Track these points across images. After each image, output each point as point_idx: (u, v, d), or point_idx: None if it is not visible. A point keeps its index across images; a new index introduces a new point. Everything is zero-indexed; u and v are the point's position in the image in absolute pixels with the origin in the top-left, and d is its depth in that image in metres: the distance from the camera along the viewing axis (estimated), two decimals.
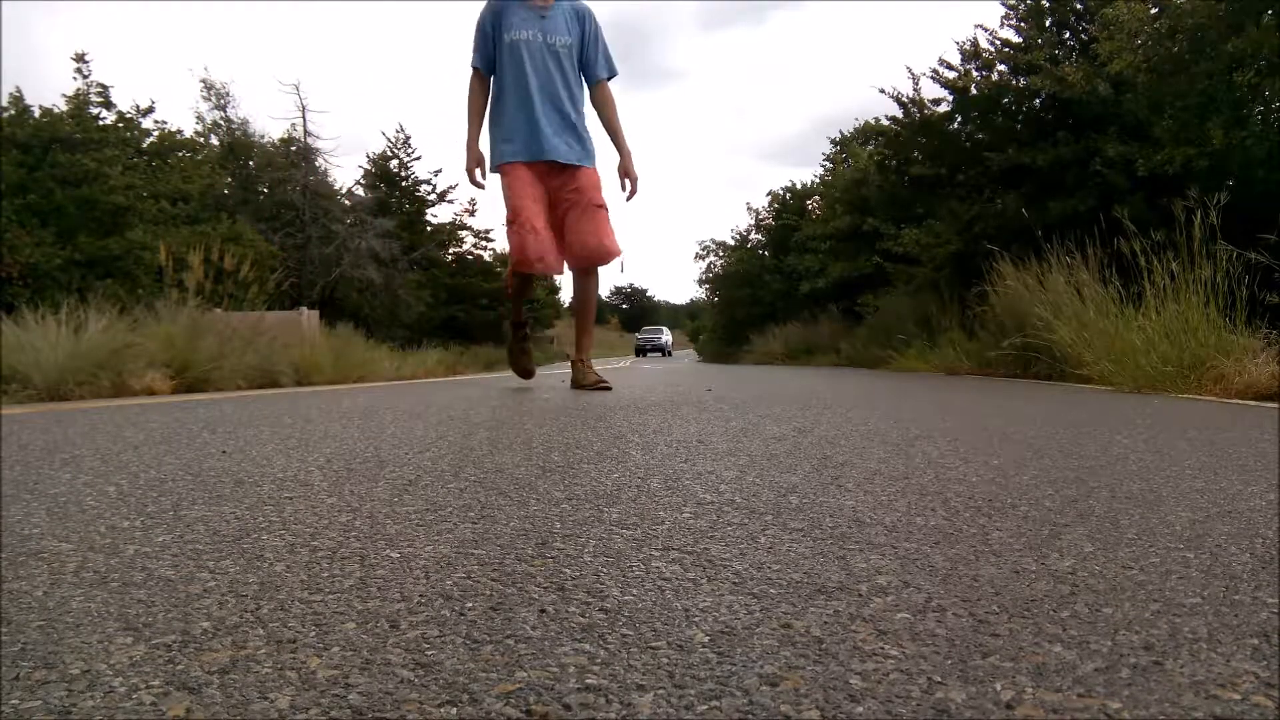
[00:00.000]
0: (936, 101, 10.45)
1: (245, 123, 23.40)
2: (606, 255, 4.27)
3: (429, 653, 0.63)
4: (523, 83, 4.15)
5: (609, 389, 4.23)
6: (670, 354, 44.94)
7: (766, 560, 0.89)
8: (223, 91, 23.60)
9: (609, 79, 4.37)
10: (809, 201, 24.96)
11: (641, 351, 44.10)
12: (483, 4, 4.28)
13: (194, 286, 5.86)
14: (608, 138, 4.43)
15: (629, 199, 4.45)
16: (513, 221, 4.13)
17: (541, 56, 4.17)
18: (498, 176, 4.28)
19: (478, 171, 4.31)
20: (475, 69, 4.31)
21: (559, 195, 4.20)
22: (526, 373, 4.99)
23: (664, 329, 52.04)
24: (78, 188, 13.06)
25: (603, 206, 4.25)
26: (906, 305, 11.30)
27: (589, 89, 4.35)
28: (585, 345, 4.54)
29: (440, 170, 37.31)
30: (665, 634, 0.67)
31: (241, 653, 0.63)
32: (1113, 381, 4.66)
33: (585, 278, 4.40)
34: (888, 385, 5.50)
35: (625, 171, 4.38)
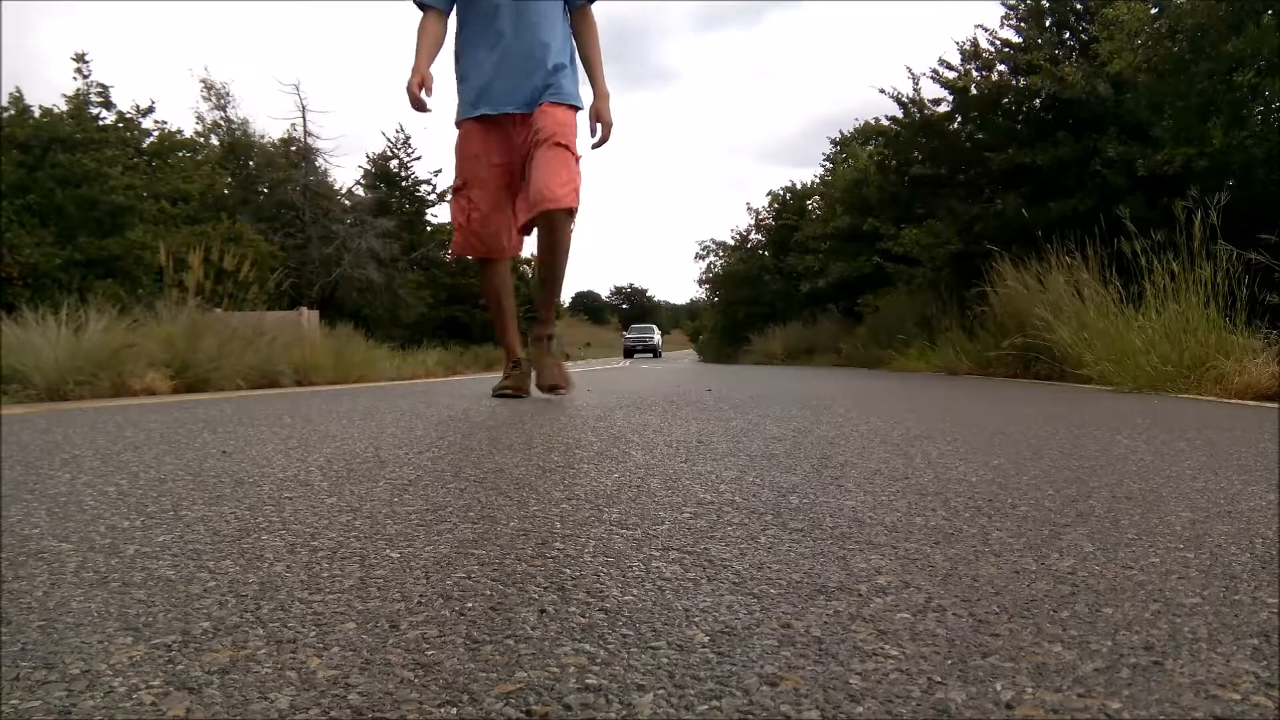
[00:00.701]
0: (936, 101, 10.46)
1: (245, 123, 23.44)
2: (549, 201, 3.30)
3: (429, 653, 0.63)
4: (487, 17, 3.44)
5: (566, 391, 3.59)
6: (660, 355, 42.35)
7: (766, 560, 0.89)
8: (223, 91, 23.64)
9: (590, 1, 3.62)
10: (809, 201, 24.96)
11: (630, 353, 41.38)
12: None
13: (194, 286, 5.86)
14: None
15: (596, 145, 3.60)
16: (457, 191, 3.50)
17: None
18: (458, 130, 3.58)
19: (422, 91, 3.40)
20: (424, 7, 3.53)
21: (526, 144, 3.43)
22: (518, 391, 3.68)
23: (654, 328, 48.83)
24: (78, 188, 13.07)
25: (566, 146, 3.37)
26: (906, 305, 11.31)
27: (570, 17, 3.62)
28: (548, 307, 3.70)
29: (440, 170, 37.35)
30: (665, 634, 0.67)
31: (241, 653, 0.63)
32: (1113, 381, 4.66)
33: (546, 231, 3.45)
34: (888, 385, 5.50)
35: (598, 114, 3.58)
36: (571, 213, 3.39)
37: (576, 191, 3.38)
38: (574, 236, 3.52)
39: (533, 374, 3.68)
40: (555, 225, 3.38)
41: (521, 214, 3.50)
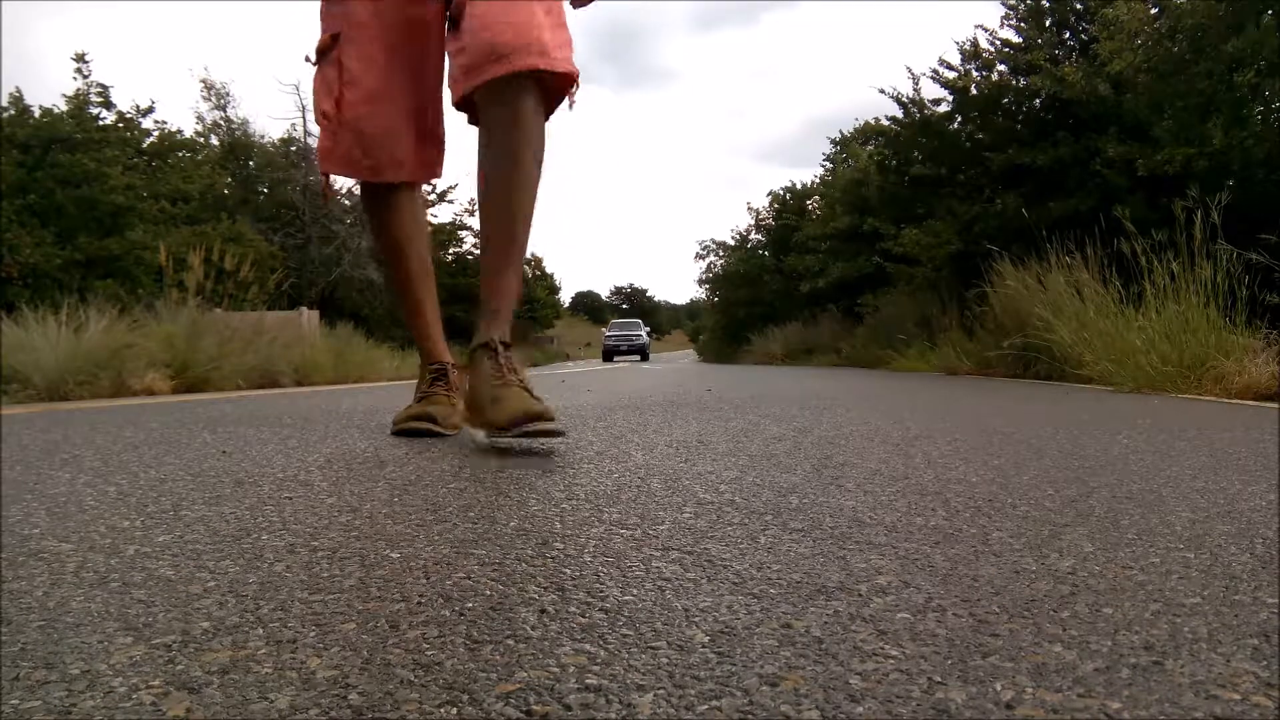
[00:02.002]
0: (936, 101, 10.48)
1: (245, 123, 23.43)
2: (510, 55, 1.69)
3: (429, 653, 0.63)
4: None
5: (556, 432, 1.68)
6: (648, 357, 31.43)
7: (766, 560, 0.89)
8: (223, 91, 23.64)
9: None
10: (809, 201, 24.98)
11: (610, 354, 31.21)
12: None
13: (194, 286, 5.87)
14: None
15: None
16: (322, 55, 1.94)
17: None
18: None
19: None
20: None
21: None
22: (426, 421, 2.01)
23: (640, 323, 37.58)
24: (78, 188, 13.07)
25: None
26: (906, 305, 11.32)
27: None
28: (499, 287, 1.83)
29: None
30: (665, 634, 0.67)
31: (241, 653, 0.63)
32: (1113, 381, 4.66)
33: (498, 122, 1.78)
34: (888, 385, 5.50)
35: None
36: (559, 87, 1.78)
37: (566, 50, 1.76)
38: (553, 186, 1.66)
39: (460, 401, 1.99)
40: (519, 111, 1.74)
41: (455, 85, 1.82)
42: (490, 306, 1.81)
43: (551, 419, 1.64)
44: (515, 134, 1.77)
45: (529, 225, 1.84)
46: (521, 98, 1.74)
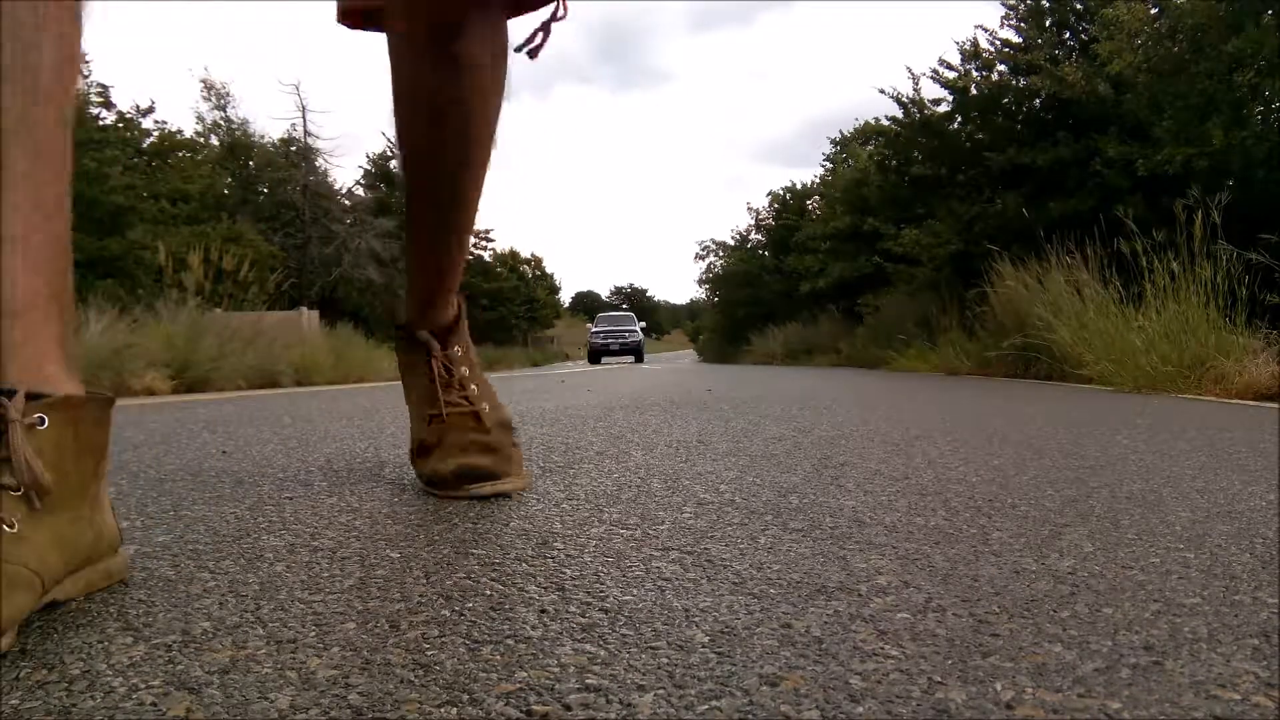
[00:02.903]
0: (936, 101, 10.49)
1: (245, 123, 23.44)
2: None
3: (429, 653, 0.63)
4: None
5: (509, 488, 1.22)
6: (643, 359, 25.93)
7: (766, 560, 0.89)
8: (223, 91, 23.65)
9: None
10: (809, 201, 24.99)
11: (600, 354, 25.82)
12: None
13: (194, 286, 5.87)
14: None
15: None
16: None
17: None
18: None
19: None
20: None
21: None
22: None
23: (634, 318, 29.89)
24: (77, 188, 13.08)
25: None
26: (906, 305, 11.32)
27: None
28: (434, 270, 1.23)
29: None
30: (665, 634, 0.67)
31: (241, 653, 0.63)
32: (1113, 381, 4.66)
33: (438, 62, 1.09)
34: (888, 385, 5.50)
35: None
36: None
37: None
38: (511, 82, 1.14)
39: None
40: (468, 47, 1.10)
41: None
42: (417, 290, 1.25)
43: (497, 475, 1.19)
44: (460, 84, 1.13)
45: (475, 174, 1.20)
46: (449, 29, 1.09)
